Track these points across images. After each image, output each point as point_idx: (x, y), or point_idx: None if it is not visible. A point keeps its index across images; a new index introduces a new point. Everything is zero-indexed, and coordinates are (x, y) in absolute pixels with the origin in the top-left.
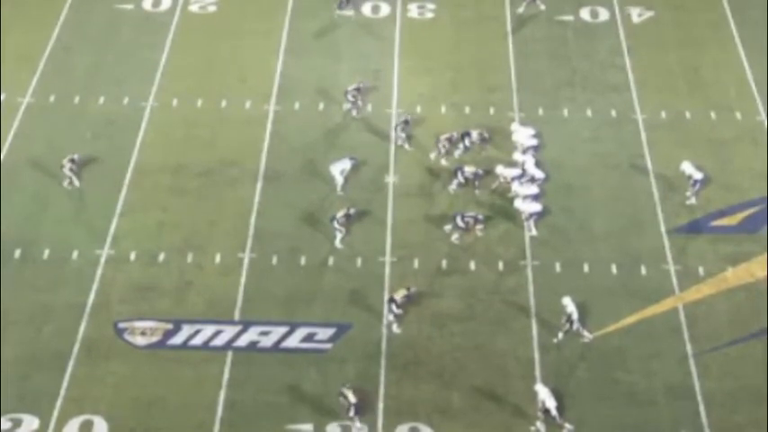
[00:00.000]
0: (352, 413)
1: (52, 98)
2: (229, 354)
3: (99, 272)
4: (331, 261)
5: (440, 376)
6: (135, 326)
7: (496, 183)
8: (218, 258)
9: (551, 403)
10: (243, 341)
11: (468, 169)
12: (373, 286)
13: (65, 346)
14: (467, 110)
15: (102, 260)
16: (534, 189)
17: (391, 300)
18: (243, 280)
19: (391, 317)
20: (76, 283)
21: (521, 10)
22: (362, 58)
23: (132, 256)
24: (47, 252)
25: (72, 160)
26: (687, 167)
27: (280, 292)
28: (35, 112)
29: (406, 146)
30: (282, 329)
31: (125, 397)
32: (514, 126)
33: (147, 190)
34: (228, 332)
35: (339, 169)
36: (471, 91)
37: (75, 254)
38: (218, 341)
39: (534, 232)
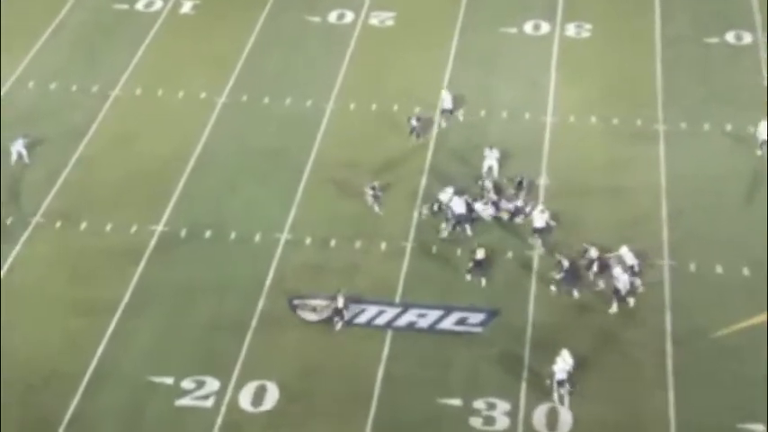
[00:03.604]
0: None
1: (245, 98)
2: (389, 332)
3: (278, 253)
4: (482, 254)
5: (578, 362)
6: (307, 303)
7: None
8: (383, 246)
9: (561, 376)
10: (402, 321)
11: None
12: (522, 277)
13: (245, 317)
14: (615, 121)
15: (281, 243)
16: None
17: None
18: (405, 266)
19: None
20: (258, 262)
21: None
22: (521, 71)
23: (307, 240)
24: (233, 234)
25: (373, 188)
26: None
27: (437, 279)
28: (230, 111)
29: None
30: (438, 313)
31: (295, 366)
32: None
33: (323, 183)
34: (390, 313)
35: (488, 165)
36: (620, 104)
37: (257, 236)
38: (380, 320)
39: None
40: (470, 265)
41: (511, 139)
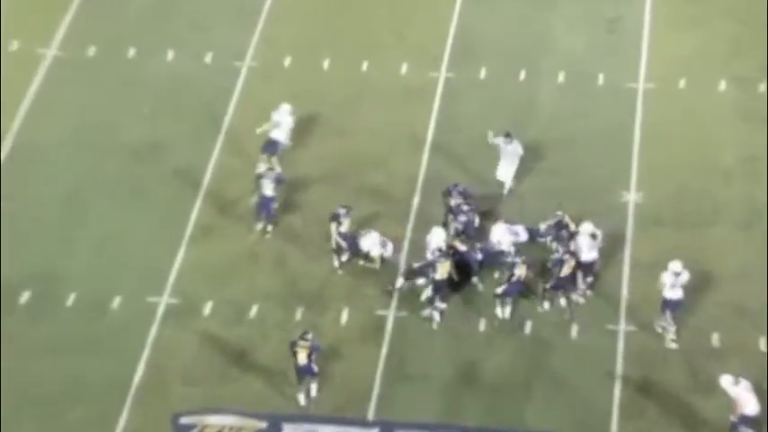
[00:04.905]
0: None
1: (92, 50)
2: None
3: (153, 331)
4: (528, 328)
5: None
6: (207, 422)
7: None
8: (344, 316)
9: None
10: None
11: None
12: (594, 370)
13: None
14: (761, 88)
15: (159, 312)
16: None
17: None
18: (383, 353)
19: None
20: (117, 348)
21: None
22: (590, 2)
23: (206, 308)
24: (72, 297)
25: (337, 218)
26: None
27: (441, 374)
28: (64, 71)
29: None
30: None
31: None
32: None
33: (235, 201)
34: None
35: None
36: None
37: (116, 301)
38: None
39: None
40: (429, 293)
41: (571, 120)
